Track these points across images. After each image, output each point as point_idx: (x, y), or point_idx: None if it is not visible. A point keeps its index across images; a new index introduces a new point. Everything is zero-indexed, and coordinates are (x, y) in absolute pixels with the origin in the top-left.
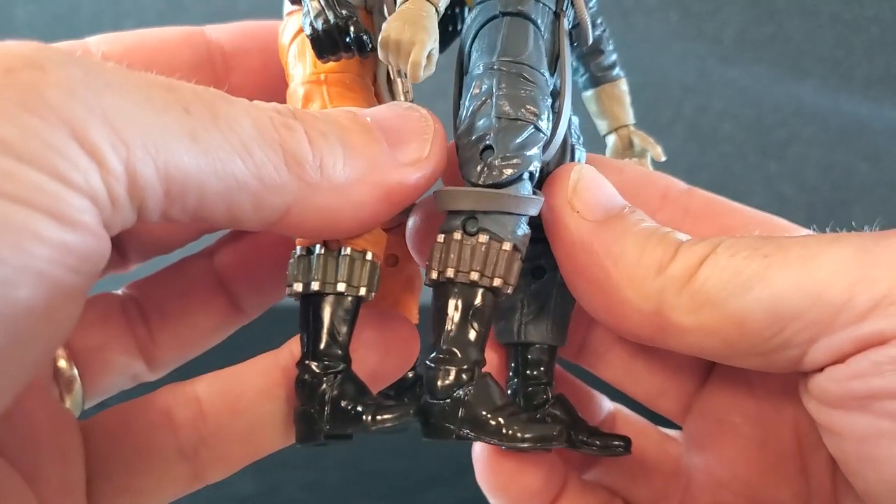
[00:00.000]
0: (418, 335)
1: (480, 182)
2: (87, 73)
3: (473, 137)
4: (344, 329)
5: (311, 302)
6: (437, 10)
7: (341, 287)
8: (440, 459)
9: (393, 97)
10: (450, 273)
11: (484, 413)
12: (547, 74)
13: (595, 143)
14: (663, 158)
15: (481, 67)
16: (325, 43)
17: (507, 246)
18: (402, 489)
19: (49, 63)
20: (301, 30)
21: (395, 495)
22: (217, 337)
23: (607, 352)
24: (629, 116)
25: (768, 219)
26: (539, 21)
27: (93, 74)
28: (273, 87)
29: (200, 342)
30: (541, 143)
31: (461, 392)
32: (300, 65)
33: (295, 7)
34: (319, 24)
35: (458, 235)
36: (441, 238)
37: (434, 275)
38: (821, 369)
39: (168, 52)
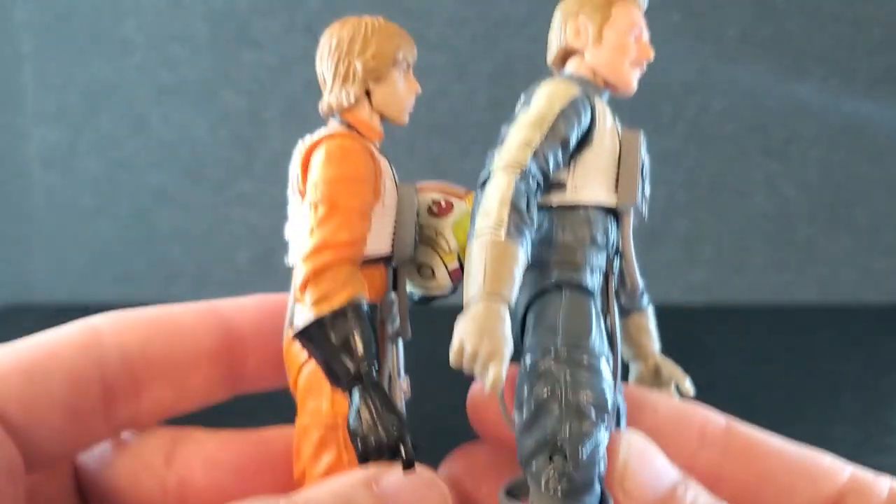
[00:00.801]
0: None
1: (553, 491)
2: None
3: (540, 437)
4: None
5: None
6: (510, 306)
7: None
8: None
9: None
10: None
11: None
12: (608, 352)
13: None
14: (692, 393)
15: (540, 352)
16: (373, 458)
17: None
18: None
19: None
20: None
21: None
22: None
23: None
24: (656, 346)
25: (808, 458)
26: (594, 290)
27: None
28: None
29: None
30: (607, 435)
31: None
32: (315, 399)
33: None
34: (371, 443)
35: None
36: None
37: None
38: None
39: (187, 342)
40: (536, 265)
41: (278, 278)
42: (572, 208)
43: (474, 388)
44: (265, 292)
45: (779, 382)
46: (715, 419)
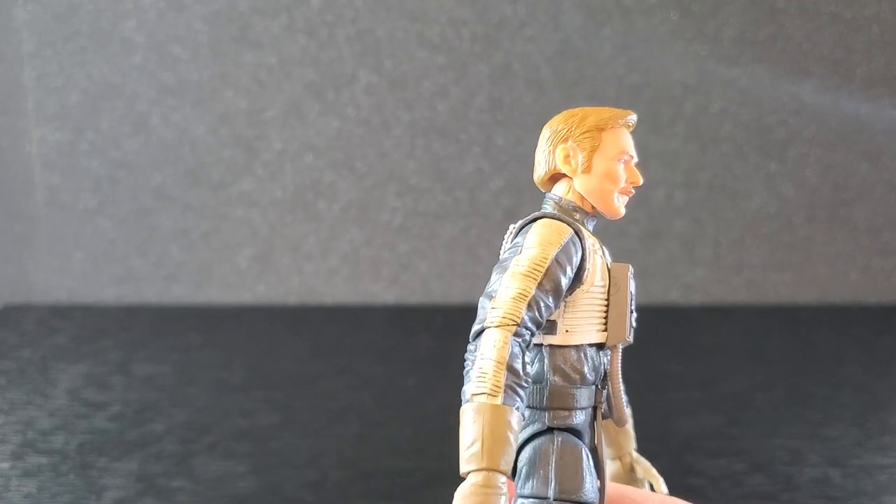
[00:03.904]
0: None
1: None
2: None
3: None
4: None
5: None
6: (508, 476)
7: None
8: (441, 459)
9: None
10: None
11: None
12: (596, 492)
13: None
14: (665, 492)
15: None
16: None
17: None
18: (402, 488)
19: None
20: None
21: (395, 494)
22: None
23: None
24: (633, 445)
25: None
26: (584, 428)
27: None
28: None
29: None
30: None
31: None
32: None
33: None
34: None
35: None
36: None
37: None
38: None
39: None
40: (528, 406)
41: (278, 278)
42: (563, 348)
43: None
44: (265, 292)
45: (778, 382)
46: None
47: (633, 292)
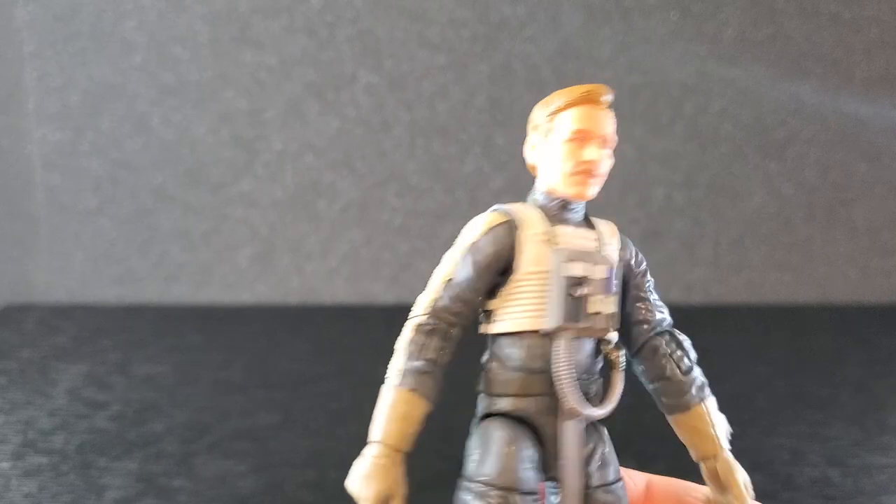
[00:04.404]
0: None
1: None
2: None
3: None
4: None
5: None
6: (397, 449)
7: None
8: (441, 458)
9: None
10: None
11: None
12: (522, 482)
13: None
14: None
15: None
16: None
17: None
18: None
19: None
20: None
21: None
22: None
23: None
24: (714, 446)
25: None
26: (527, 415)
27: None
28: None
29: None
30: None
31: None
32: None
33: None
34: None
35: None
36: None
37: None
38: None
39: None
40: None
41: (278, 278)
42: (501, 336)
43: None
44: (265, 292)
45: (777, 382)
46: None
47: (600, 277)
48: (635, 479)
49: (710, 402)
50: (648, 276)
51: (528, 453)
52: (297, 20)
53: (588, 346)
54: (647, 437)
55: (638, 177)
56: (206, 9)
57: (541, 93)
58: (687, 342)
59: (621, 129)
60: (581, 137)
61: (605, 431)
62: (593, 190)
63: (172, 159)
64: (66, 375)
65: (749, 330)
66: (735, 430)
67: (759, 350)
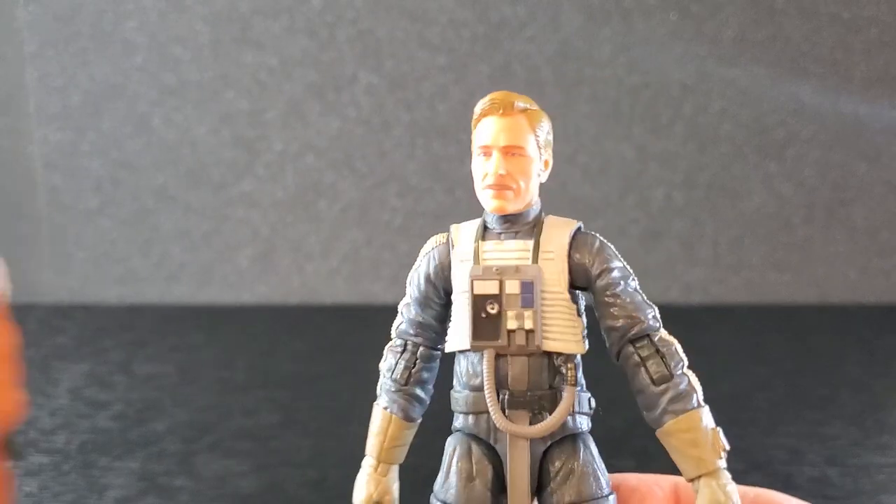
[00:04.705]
0: None
1: None
2: None
3: None
4: None
5: None
6: (382, 461)
7: None
8: (441, 458)
9: None
10: None
11: None
12: (469, 496)
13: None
14: None
15: None
16: None
17: None
18: (402, 488)
19: None
20: None
21: None
22: None
23: None
24: (693, 468)
25: None
26: (478, 432)
27: None
28: None
29: None
30: None
31: None
32: None
33: None
34: None
35: None
36: None
37: None
38: None
39: None
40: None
41: (279, 278)
42: (455, 354)
43: None
44: (266, 292)
45: (776, 382)
46: None
47: (512, 293)
48: (661, 484)
49: (690, 417)
50: (618, 277)
51: (478, 470)
52: (297, 21)
53: (532, 361)
54: (648, 437)
55: (637, 177)
56: (207, 9)
57: (541, 93)
58: (670, 347)
59: (621, 129)
60: (486, 151)
61: (587, 445)
62: (512, 204)
63: (173, 159)
64: (67, 375)
65: (748, 330)
66: (735, 431)
67: (759, 350)
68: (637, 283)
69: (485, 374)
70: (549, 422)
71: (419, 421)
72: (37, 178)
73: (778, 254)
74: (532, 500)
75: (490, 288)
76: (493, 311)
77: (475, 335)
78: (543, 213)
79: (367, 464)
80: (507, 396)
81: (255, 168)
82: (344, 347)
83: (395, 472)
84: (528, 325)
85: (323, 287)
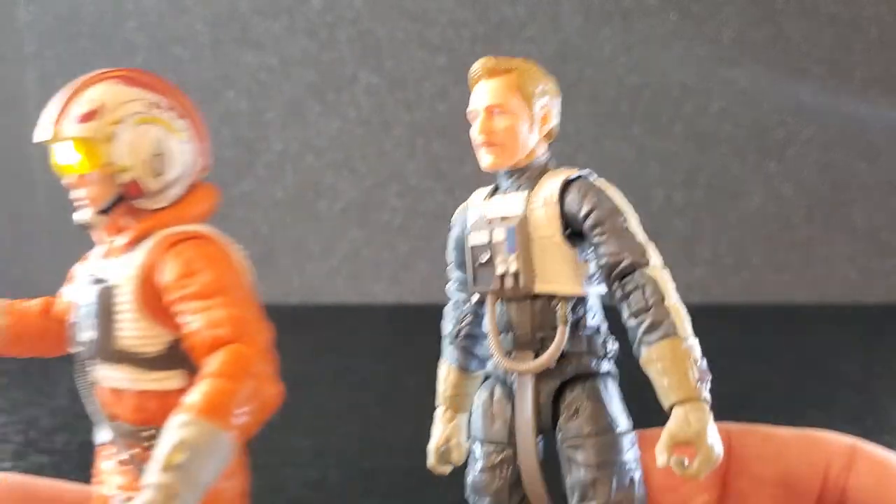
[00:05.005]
0: None
1: None
2: None
3: None
4: None
5: None
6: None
7: None
8: None
9: None
10: None
11: None
12: (491, 435)
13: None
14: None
15: None
16: None
17: None
18: (403, 487)
19: None
20: None
21: (396, 493)
22: None
23: None
24: (664, 398)
25: None
26: (497, 374)
27: None
28: None
29: None
30: None
31: None
32: None
33: None
34: None
35: None
36: None
37: None
38: None
39: None
40: None
41: (279, 278)
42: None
43: None
44: (266, 292)
45: (777, 381)
46: (841, 440)
47: (499, 240)
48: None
49: (660, 346)
50: (603, 216)
51: (497, 409)
52: (297, 21)
53: (533, 304)
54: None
55: (637, 177)
56: (207, 10)
57: None
58: (653, 281)
59: (621, 129)
60: (473, 115)
61: (603, 386)
62: (502, 159)
63: None
64: (67, 375)
65: (748, 330)
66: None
67: (759, 350)
68: (631, 221)
69: (486, 318)
70: (542, 358)
71: (478, 373)
72: (36, 178)
73: (778, 254)
74: (537, 436)
75: (482, 238)
76: (486, 259)
77: (474, 282)
78: (551, 166)
79: (438, 412)
80: (511, 337)
81: (256, 168)
82: (344, 347)
83: (462, 420)
84: (513, 268)
85: (323, 287)
